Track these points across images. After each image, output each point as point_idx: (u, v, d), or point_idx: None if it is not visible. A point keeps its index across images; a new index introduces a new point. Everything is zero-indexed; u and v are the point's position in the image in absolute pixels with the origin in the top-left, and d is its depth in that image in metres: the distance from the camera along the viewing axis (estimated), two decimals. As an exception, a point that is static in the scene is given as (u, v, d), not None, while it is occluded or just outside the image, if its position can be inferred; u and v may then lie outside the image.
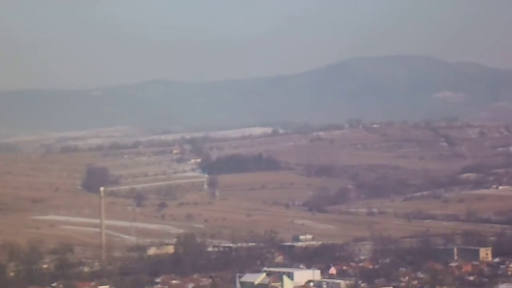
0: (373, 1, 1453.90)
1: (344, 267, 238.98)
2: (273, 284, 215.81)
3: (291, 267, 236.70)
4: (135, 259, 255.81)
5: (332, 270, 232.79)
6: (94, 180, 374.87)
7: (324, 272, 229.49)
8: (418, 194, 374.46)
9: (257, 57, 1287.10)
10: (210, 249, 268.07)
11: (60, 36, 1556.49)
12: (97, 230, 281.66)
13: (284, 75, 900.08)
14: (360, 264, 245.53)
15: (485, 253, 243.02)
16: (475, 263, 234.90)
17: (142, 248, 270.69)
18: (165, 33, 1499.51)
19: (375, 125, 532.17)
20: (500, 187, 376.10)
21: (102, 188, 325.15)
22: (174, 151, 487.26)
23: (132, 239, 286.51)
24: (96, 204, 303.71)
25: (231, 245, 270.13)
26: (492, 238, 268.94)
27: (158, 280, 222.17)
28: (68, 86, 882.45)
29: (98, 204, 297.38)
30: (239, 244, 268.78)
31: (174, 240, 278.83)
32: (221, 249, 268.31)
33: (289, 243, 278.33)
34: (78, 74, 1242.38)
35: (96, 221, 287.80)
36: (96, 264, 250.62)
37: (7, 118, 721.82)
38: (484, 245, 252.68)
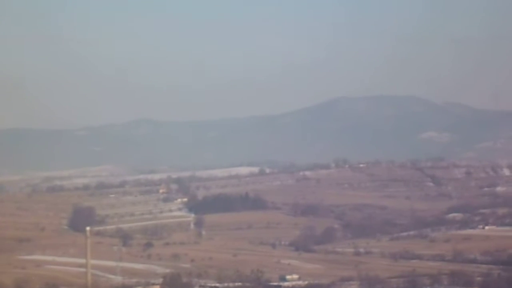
0: (361, 42, 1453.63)
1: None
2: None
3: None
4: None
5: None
6: (80, 219, 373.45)
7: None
8: (405, 234, 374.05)
9: (244, 97, 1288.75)
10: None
11: (45, 76, 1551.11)
12: (83, 270, 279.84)
13: (272, 114, 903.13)
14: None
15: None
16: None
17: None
18: (151, 73, 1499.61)
19: (361, 165, 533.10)
20: (486, 227, 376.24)
21: (88, 228, 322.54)
22: (161, 191, 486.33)
23: (118, 279, 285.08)
24: (82, 243, 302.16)
25: (217, 285, 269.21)
26: (479, 279, 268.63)
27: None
28: (54, 126, 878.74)
29: (84, 243, 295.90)
30: (226, 284, 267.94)
31: (160, 280, 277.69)
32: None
33: (276, 283, 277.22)
34: (64, 113, 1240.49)
35: (82, 260, 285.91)
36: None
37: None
38: (471, 285, 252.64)
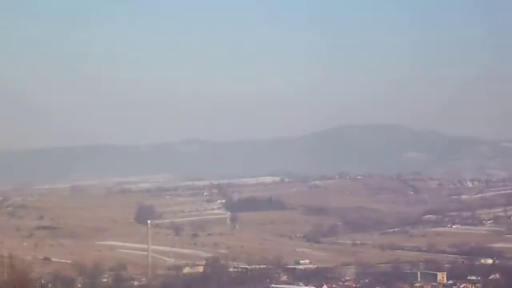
0: (355, 79, 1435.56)
1: (334, 286, 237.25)
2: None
3: (293, 284, 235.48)
4: (173, 276, 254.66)
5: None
6: (143, 215, 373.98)
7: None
8: (391, 230, 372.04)
9: (269, 121, 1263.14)
10: (231, 269, 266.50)
11: (110, 101, 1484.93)
12: (145, 253, 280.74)
13: (290, 137, 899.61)
14: (346, 283, 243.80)
15: (441, 276, 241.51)
16: (434, 284, 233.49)
17: (179, 268, 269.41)
18: (197, 100, 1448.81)
19: (359, 177, 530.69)
20: (454, 226, 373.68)
21: (149, 221, 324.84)
22: (205, 194, 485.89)
23: (171, 261, 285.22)
24: (144, 233, 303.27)
25: (247, 266, 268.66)
26: (447, 265, 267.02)
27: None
28: (123, 143, 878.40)
29: (146, 233, 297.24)
30: (253, 266, 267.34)
31: (204, 262, 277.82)
32: (239, 269, 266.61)
33: (292, 266, 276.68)
34: (131, 133, 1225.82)
35: (144, 246, 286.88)
36: (143, 279, 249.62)
37: (78, 166, 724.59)
38: (441, 270, 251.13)
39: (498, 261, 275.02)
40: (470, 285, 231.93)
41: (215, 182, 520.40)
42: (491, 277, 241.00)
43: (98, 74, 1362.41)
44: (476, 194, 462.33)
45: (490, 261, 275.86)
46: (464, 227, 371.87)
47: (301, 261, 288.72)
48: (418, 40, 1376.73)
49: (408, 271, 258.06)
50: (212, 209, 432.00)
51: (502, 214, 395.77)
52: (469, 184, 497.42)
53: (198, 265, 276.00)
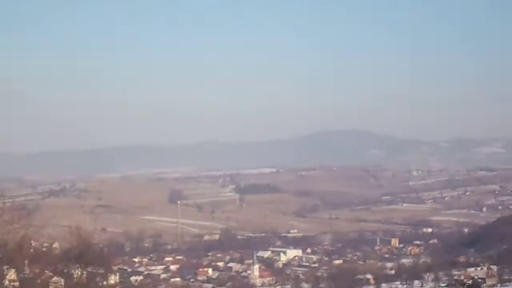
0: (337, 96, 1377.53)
1: (315, 249, 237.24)
2: (275, 257, 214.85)
3: (285, 248, 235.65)
4: (196, 242, 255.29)
5: (309, 250, 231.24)
6: (174, 196, 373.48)
7: (304, 251, 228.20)
8: (358, 207, 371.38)
9: (268, 127, 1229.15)
10: (239, 237, 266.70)
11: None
12: (175, 225, 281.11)
13: (283, 139, 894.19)
14: (324, 247, 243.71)
15: (394, 241, 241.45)
16: (389, 247, 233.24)
17: (200, 236, 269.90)
18: (215, 110, 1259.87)
19: (334, 168, 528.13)
20: (403, 205, 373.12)
21: (178, 201, 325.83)
22: (220, 181, 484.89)
23: (195, 230, 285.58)
24: (175, 210, 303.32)
25: (251, 234, 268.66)
26: (398, 233, 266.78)
27: (209, 253, 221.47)
28: (159, 144, 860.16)
29: (176, 210, 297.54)
30: (256, 234, 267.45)
31: (219, 231, 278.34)
32: (245, 237, 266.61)
33: (284, 234, 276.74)
34: (164, 136, 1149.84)
35: (175, 220, 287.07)
36: (174, 244, 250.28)
37: (126, 161, 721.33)
38: (394, 237, 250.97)
39: (435, 230, 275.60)
40: (415, 248, 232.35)
41: (227, 173, 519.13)
42: (430, 241, 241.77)
43: (138, 92, 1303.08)
44: (420, 181, 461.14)
45: (430, 230, 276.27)
46: (411, 205, 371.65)
47: (291, 231, 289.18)
48: (378, 63, 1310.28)
49: (370, 238, 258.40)
50: (225, 193, 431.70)
51: (438, 195, 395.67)
52: (415, 173, 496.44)
53: (215, 233, 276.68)
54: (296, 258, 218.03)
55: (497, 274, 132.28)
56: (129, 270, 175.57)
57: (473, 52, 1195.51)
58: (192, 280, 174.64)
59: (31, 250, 52.70)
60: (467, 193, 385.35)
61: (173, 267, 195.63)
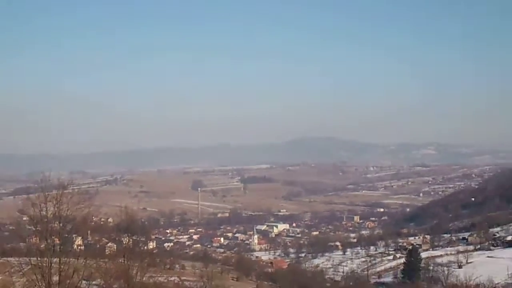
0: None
1: (299, 223, 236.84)
2: (269, 230, 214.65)
3: (277, 223, 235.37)
4: (212, 218, 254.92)
5: (294, 224, 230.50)
6: (196, 185, 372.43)
7: (290, 225, 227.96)
8: (330, 193, 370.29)
9: (266, 132, 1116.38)
10: (243, 214, 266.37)
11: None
12: (197, 206, 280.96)
13: (276, 143, 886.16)
14: (305, 222, 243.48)
15: (356, 218, 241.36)
16: (352, 222, 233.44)
17: (215, 213, 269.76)
18: (225, 119, 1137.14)
19: (313, 165, 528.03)
20: (363, 191, 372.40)
21: (199, 189, 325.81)
22: (229, 174, 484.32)
23: (211, 210, 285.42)
24: (196, 195, 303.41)
25: (252, 213, 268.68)
26: (360, 212, 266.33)
27: (221, 227, 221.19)
28: (183, 146, 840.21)
29: (197, 195, 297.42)
30: (256, 213, 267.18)
31: (229, 210, 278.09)
32: (248, 215, 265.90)
33: (276, 213, 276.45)
34: (188, 140, 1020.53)
35: (196, 202, 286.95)
36: (196, 219, 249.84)
37: (160, 158, 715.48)
38: (356, 214, 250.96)
39: (386, 210, 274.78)
40: (371, 223, 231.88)
41: (235, 168, 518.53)
42: (382, 218, 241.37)
43: (167, 98, 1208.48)
44: (375, 174, 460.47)
45: (382, 209, 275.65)
46: (368, 192, 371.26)
47: (281, 210, 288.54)
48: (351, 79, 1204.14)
49: (339, 215, 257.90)
50: (233, 182, 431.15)
51: (388, 184, 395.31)
52: (371, 168, 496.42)
53: (225, 212, 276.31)
54: (285, 230, 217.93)
55: (429, 241, 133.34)
56: (162, 238, 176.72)
57: (413, 73, 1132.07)
58: (209, 246, 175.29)
59: (93, 223, 53.56)
60: (409, 183, 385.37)
61: (195, 237, 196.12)
